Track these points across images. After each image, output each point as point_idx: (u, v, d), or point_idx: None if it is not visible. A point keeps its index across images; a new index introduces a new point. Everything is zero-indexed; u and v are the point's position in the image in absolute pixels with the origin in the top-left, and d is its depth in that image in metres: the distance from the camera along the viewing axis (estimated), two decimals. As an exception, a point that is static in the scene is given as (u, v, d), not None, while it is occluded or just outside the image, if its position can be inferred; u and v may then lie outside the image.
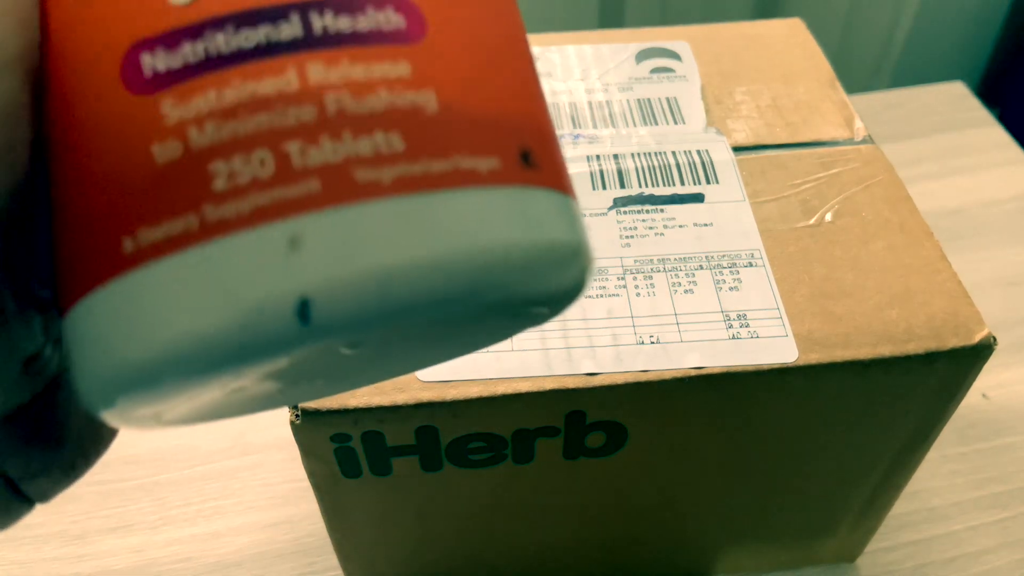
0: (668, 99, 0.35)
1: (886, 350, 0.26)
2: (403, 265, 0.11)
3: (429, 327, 0.12)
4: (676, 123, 0.33)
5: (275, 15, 0.11)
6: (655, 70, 0.36)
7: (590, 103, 0.34)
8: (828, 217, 0.30)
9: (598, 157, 0.32)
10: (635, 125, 0.33)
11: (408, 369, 0.16)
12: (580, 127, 0.33)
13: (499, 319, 0.13)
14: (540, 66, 0.36)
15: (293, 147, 0.11)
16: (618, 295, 0.28)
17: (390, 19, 0.12)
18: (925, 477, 0.41)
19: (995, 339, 0.27)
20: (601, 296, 0.28)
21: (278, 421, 0.44)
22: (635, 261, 0.29)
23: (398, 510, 0.30)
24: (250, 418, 0.44)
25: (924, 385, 0.28)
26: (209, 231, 0.10)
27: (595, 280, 0.28)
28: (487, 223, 0.11)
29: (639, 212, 0.30)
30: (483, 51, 0.13)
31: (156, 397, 0.11)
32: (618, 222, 0.30)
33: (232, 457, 0.42)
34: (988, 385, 0.45)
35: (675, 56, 0.37)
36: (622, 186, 0.31)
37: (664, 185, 0.31)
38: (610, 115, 0.34)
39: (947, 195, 0.55)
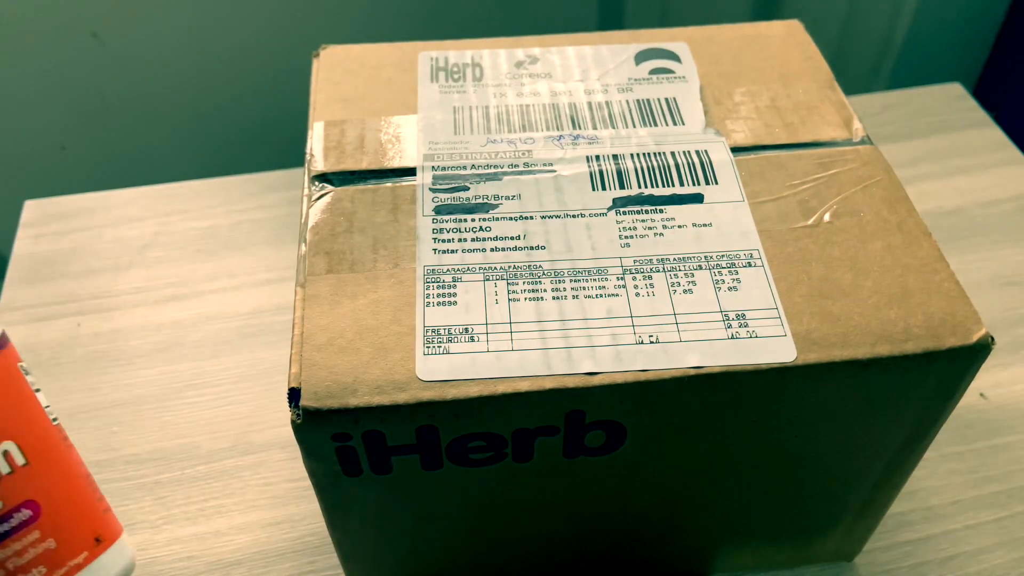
0: (667, 100, 0.35)
1: (884, 350, 0.26)
2: None
3: None
4: (675, 124, 0.34)
5: None
6: (654, 71, 0.36)
7: (590, 104, 0.34)
8: (827, 217, 0.30)
9: (598, 158, 0.32)
10: (634, 126, 0.33)
11: None
12: (580, 128, 0.33)
13: None
14: (540, 67, 0.36)
15: None
16: (617, 295, 0.28)
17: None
18: (923, 476, 0.41)
19: (993, 339, 0.27)
20: (601, 296, 0.28)
21: (279, 421, 0.44)
22: (634, 261, 0.29)
23: (398, 509, 0.30)
24: (251, 418, 0.44)
25: (922, 385, 0.28)
26: None
27: (595, 280, 0.28)
28: None
29: (638, 212, 0.30)
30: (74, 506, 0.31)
31: None
32: (617, 222, 0.30)
33: (233, 456, 0.42)
34: (986, 385, 0.45)
35: (674, 57, 0.37)
36: (621, 186, 0.31)
37: (663, 186, 0.31)
38: (609, 116, 0.34)
39: (945, 195, 0.55)
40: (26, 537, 0.28)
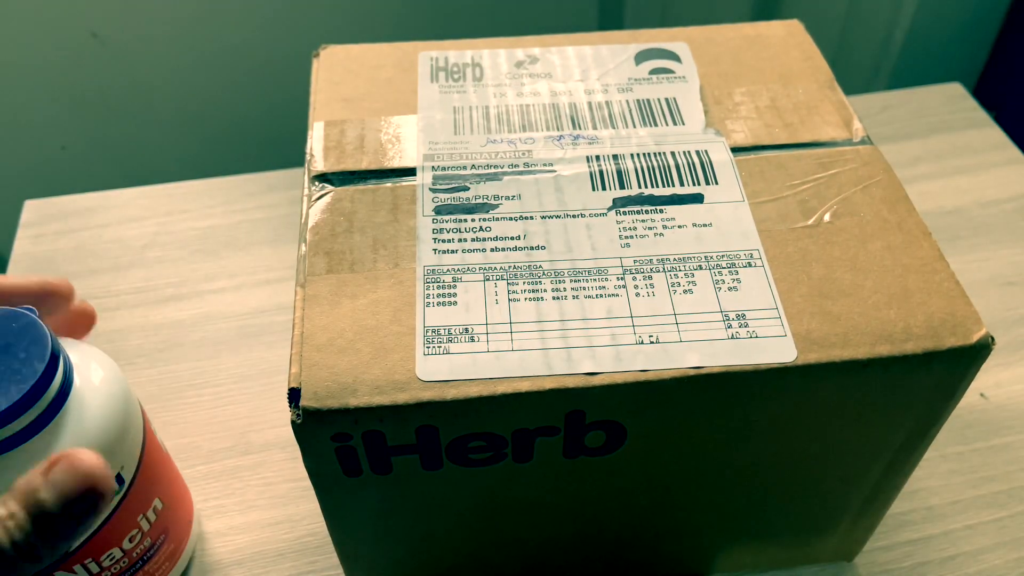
0: (667, 100, 0.35)
1: (884, 350, 0.26)
2: None
3: None
4: (675, 124, 0.34)
5: None
6: (654, 71, 0.36)
7: (590, 104, 0.34)
8: (827, 217, 0.30)
9: (598, 158, 0.32)
10: (634, 126, 0.33)
11: None
12: (580, 128, 0.33)
13: None
14: (540, 67, 0.36)
15: None
16: (618, 295, 0.28)
17: None
18: (923, 476, 0.41)
19: (993, 339, 0.27)
20: (601, 296, 0.28)
21: (279, 421, 0.44)
22: (634, 261, 0.29)
23: (398, 509, 0.30)
24: (251, 418, 0.44)
25: (922, 385, 0.28)
26: None
27: (595, 280, 0.28)
28: None
29: (639, 212, 0.30)
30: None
31: None
32: (618, 222, 0.30)
33: (233, 456, 0.42)
34: (986, 385, 0.45)
35: (674, 57, 0.37)
36: (622, 187, 0.31)
37: (663, 186, 0.31)
38: (609, 116, 0.34)
39: (945, 195, 0.55)
40: (161, 551, 0.35)
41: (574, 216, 0.30)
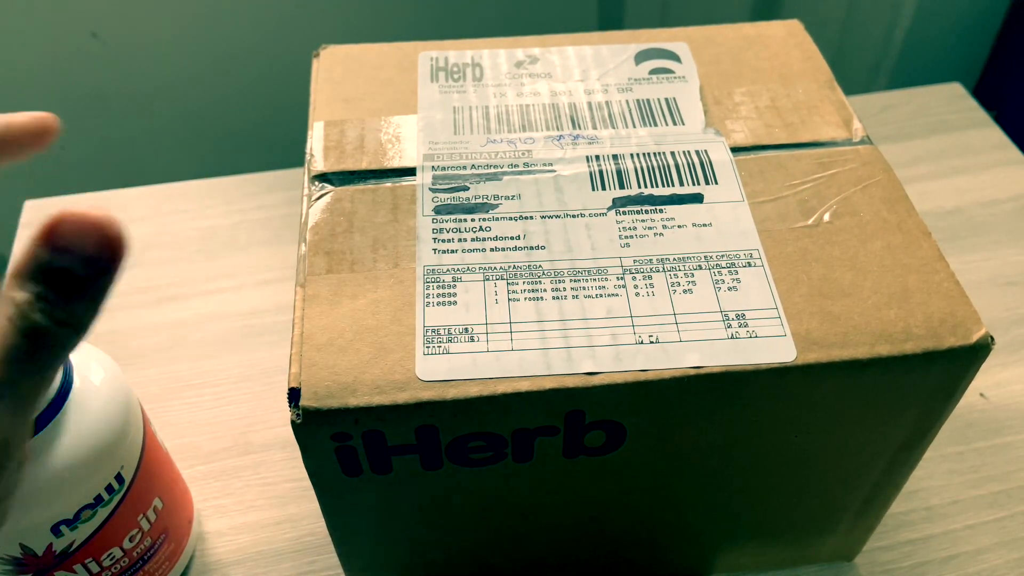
0: (667, 100, 0.35)
1: (884, 350, 0.26)
2: None
3: None
4: (675, 124, 0.34)
5: None
6: (654, 71, 0.36)
7: (590, 104, 0.34)
8: (826, 217, 0.30)
9: (597, 158, 0.32)
10: (634, 126, 0.33)
11: None
12: (580, 128, 0.33)
13: None
14: (540, 67, 0.36)
15: None
16: (617, 295, 0.28)
17: None
18: (923, 476, 0.41)
19: (993, 339, 0.27)
20: (600, 296, 0.28)
21: (279, 421, 0.44)
22: (634, 261, 0.29)
23: (398, 509, 0.30)
24: (251, 418, 0.44)
25: (922, 385, 0.28)
26: None
27: (595, 280, 0.28)
28: None
29: (638, 212, 0.30)
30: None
31: None
32: (617, 222, 0.30)
33: (233, 456, 0.42)
34: (986, 385, 0.45)
35: (674, 57, 0.37)
36: (621, 186, 0.31)
37: (663, 185, 0.31)
38: (609, 116, 0.34)
39: (945, 195, 0.55)
40: (161, 550, 0.35)
41: (574, 216, 0.30)
